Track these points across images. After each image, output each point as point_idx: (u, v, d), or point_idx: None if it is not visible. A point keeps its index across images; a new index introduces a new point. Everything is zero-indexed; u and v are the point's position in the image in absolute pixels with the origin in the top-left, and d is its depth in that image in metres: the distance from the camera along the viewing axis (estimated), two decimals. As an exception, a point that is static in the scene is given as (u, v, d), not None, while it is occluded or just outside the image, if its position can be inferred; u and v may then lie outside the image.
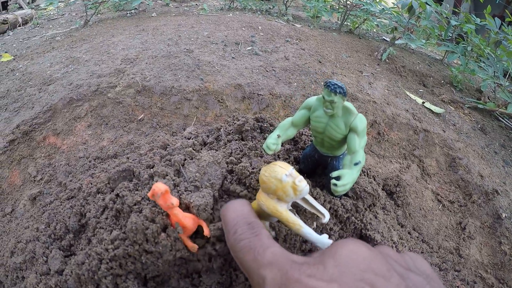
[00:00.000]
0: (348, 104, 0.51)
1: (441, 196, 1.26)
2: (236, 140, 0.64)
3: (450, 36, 2.29)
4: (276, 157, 0.60)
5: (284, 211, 0.44)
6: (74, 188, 0.81)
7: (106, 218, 0.55)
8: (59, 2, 1.85)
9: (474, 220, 1.27)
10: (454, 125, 1.49)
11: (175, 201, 0.45)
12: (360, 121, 0.52)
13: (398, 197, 1.11)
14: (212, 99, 1.22)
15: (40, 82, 1.50)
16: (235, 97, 1.22)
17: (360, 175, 0.63)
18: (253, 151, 0.59)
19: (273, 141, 0.53)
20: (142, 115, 1.28)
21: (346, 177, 0.47)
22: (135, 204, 0.51)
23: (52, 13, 2.04)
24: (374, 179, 0.66)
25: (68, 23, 1.90)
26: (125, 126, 1.27)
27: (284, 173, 0.43)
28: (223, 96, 1.22)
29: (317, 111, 0.54)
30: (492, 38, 2.20)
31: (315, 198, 0.57)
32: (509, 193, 1.35)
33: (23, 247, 0.73)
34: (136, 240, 0.47)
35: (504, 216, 1.28)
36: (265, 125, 0.65)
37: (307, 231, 0.44)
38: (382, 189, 1.12)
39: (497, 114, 1.79)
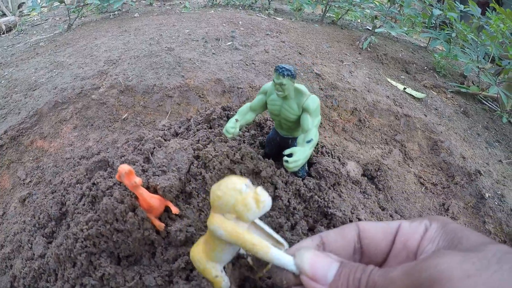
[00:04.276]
0: (300, 86, 0.54)
1: (423, 179, 1.28)
2: (204, 129, 0.66)
3: (433, 24, 2.31)
4: (242, 142, 0.62)
5: (246, 233, 0.38)
6: (58, 183, 0.84)
7: (83, 204, 0.58)
8: (41, 7, 1.86)
9: (457, 201, 1.28)
10: (436, 109, 1.51)
11: (138, 179, 0.48)
12: (312, 101, 0.54)
13: (379, 181, 1.12)
14: (193, 94, 1.24)
15: (25, 88, 1.51)
16: (216, 91, 1.24)
17: (324, 155, 0.65)
18: (217, 137, 0.61)
19: (231, 125, 0.55)
20: (126, 114, 1.30)
21: (297, 154, 0.49)
22: (107, 189, 0.54)
23: (35, 19, 2.05)
24: (339, 160, 0.68)
25: (51, 28, 1.91)
26: (109, 126, 1.28)
27: (243, 183, 0.38)
28: (204, 91, 1.24)
29: (272, 95, 0.57)
30: (474, 23, 2.22)
31: (284, 182, 0.58)
32: (492, 174, 1.37)
33: (11, 239, 0.76)
34: (107, 220, 0.50)
35: (487, 196, 1.30)
36: (232, 113, 0.67)
37: (276, 254, 0.37)
38: (363, 175, 1.14)
39: (481, 98, 1.81)
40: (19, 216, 0.96)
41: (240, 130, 0.60)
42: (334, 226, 0.55)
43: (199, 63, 1.35)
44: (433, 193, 1.27)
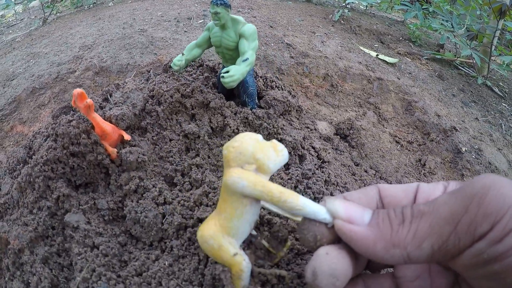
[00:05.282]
0: (237, 16, 0.58)
1: (399, 138, 1.30)
2: (161, 75, 0.68)
3: (410, -1, 2.34)
4: (195, 80, 0.63)
5: (270, 182, 0.33)
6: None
7: (47, 142, 0.59)
8: (15, 4, 1.88)
9: (434, 156, 1.30)
10: (410, 73, 1.53)
11: (89, 100, 0.49)
12: (248, 27, 0.58)
13: (352, 139, 1.14)
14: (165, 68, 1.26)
15: (3, 79, 1.53)
16: (187, 64, 1.26)
17: (273, 88, 0.66)
18: (171, 77, 0.63)
19: (178, 58, 0.59)
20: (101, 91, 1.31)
21: (232, 70, 0.52)
22: (68, 122, 0.55)
23: (11, 20, 2.06)
24: (290, 93, 0.70)
25: (27, 26, 1.93)
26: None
27: (258, 135, 0.36)
28: (176, 65, 1.26)
29: (214, 29, 0.60)
30: (449, -6, 2.25)
31: (233, 112, 0.60)
32: (469, 130, 1.38)
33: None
34: (63, 144, 0.52)
35: (464, 150, 1.31)
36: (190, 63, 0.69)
37: (307, 200, 0.33)
38: (336, 134, 1.15)
39: (457, 64, 1.83)
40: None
41: (187, 65, 0.63)
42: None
43: (171, 41, 1.36)
44: (409, 150, 1.29)
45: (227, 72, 0.52)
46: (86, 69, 1.35)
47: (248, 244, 0.40)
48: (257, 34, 0.58)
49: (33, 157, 0.58)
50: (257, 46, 0.57)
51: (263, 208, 0.44)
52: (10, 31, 1.96)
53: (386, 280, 0.36)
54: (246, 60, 0.53)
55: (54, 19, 1.88)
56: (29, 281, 0.51)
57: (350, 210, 0.32)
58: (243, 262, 0.36)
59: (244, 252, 0.37)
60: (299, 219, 0.34)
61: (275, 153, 0.35)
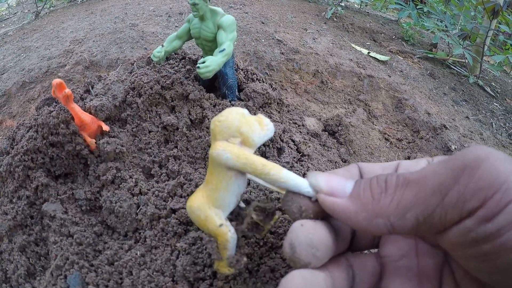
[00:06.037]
0: (216, 8, 0.59)
1: (388, 135, 1.30)
2: (144, 68, 0.68)
3: (404, -3, 2.34)
4: (177, 73, 0.64)
5: (253, 155, 0.34)
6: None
7: (29, 132, 0.59)
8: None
9: (423, 154, 1.30)
10: (401, 71, 1.53)
11: (68, 90, 0.49)
12: (226, 18, 0.58)
13: (340, 136, 1.14)
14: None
15: (-7, 74, 1.52)
16: (177, 59, 1.25)
17: (254, 81, 0.66)
18: (152, 69, 0.63)
19: (158, 50, 0.59)
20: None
21: (208, 61, 0.52)
22: (48, 113, 0.55)
23: (4, 13, 2.06)
24: (271, 86, 0.70)
25: (20, 20, 1.92)
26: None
27: (244, 109, 0.36)
28: (165, 60, 1.25)
29: (194, 20, 0.61)
30: (443, -6, 2.25)
31: (212, 104, 0.60)
32: (459, 128, 1.39)
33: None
34: (43, 134, 0.52)
35: (453, 148, 1.31)
36: (172, 54, 0.69)
37: (290, 173, 0.33)
38: (324, 130, 1.16)
39: (449, 63, 1.83)
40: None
41: (169, 58, 0.63)
42: (264, 144, 0.57)
43: (162, 36, 1.36)
44: (398, 147, 1.29)
45: (203, 62, 0.52)
46: (76, 63, 1.35)
47: (236, 216, 0.41)
48: (235, 25, 0.58)
49: (14, 147, 0.58)
50: (235, 37, 0.58)
51: (250, 181, 0.45)
52: (3, 25, 1.95)
53: (371, 259, 0.34)
54: (223, 50, 0.54)
55: (47, 13, 1.87)
56: (7, 269, 0.52)
57: (331, 183, 0.31)
58: (228, 233, 0.37)
59: (231, 223, 0.38)
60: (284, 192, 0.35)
61: (260, 127, 0.35)
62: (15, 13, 2.01)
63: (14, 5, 2.07)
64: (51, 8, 1.91)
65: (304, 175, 0.59)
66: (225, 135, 0.35)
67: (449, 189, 0.25)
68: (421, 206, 0.26)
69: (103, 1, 1.82)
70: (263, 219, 0.39)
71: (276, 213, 0.40)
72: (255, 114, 0.58)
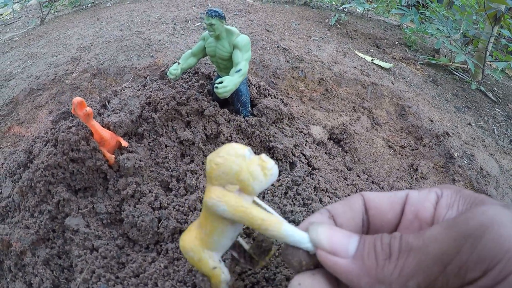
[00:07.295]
0: (231, 27, 0.61)
1: (392, 143, 1.32)
2: (158, 82, 0.69)
3: (406, 3, 2.36)
4: (191, 88, 0.65)
5: (253, 208, 0.32)
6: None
7: (47, 147, 0.60)
8: (13, 3, 1.89)
9: (426, 161, 1.32)
10: (404, 78, 1.55)
11: (89, 108, 0.51)
12: (241, 39, 0.60)
13: (345, 144, 1.16)
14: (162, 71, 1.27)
15: (1, 80, 1.54)
16: (185, 67, 1.27)
17: (266, 96, 0.68)
18: (167, 85, 0.65)
19: (174, 67, 0.61)
20: (99, 96, 1.33)
21: (226, 81, 0.54)
22: (68, 128, 0.57)
23: (8, 18, 2.07)
24: (282, 102, 0.72)
25: (25, 24, 1.94)
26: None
27: (245, 149, 0.33)
28: (173, 68, 1.27)
29: (209, 39, 0.63)
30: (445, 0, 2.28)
31: (226, 120, 0.62)
32: (461, 135, 1.41)
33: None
34: (63, 151, 0.54)
35: (456, 155, 1.33)
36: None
37: (290, 230, 0.31)
38: (329, 138, 1.18)
39: (451, 69, 1.85)
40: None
41: (183, 73, 0.65)
42: (277, 159, 0.59)
43: (168, 44, 1.38)
44: (401, 155, 1.31)
45: (221, 82, 0.54)
46: (84, 71, 1.36)
47: (232, 249, 0.41)
48: (250, 45, 0.60)
49: (34, 162, 0.60)
50: (250, 57, 0.60)
51: None
52: (8, 30, 1.97)
53: None
54: (239, 71, 0.56)
55: (51, 18, 1.89)
56: (31, 282, 0.53)
57: (333, 240, 0.30)
58: (221, 275, 0.37)
59: (224, 264, 0.38)
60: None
61: (262, 173, 0.32)
62: (19, 17, 2.02)
63: (18, 9, 2.08)
64: (56, 14, 1.93)
65: (315, 189, 0.61)
66: (222, 181, 0.32)
67: (452, 259, 0.25)
68: (423, 274, 0.26)
69: (108, 8, 1.84)
70: (258, 254, 0.39)
71: (272, 248, 0.39)
72: (268, 129, 0.60)
